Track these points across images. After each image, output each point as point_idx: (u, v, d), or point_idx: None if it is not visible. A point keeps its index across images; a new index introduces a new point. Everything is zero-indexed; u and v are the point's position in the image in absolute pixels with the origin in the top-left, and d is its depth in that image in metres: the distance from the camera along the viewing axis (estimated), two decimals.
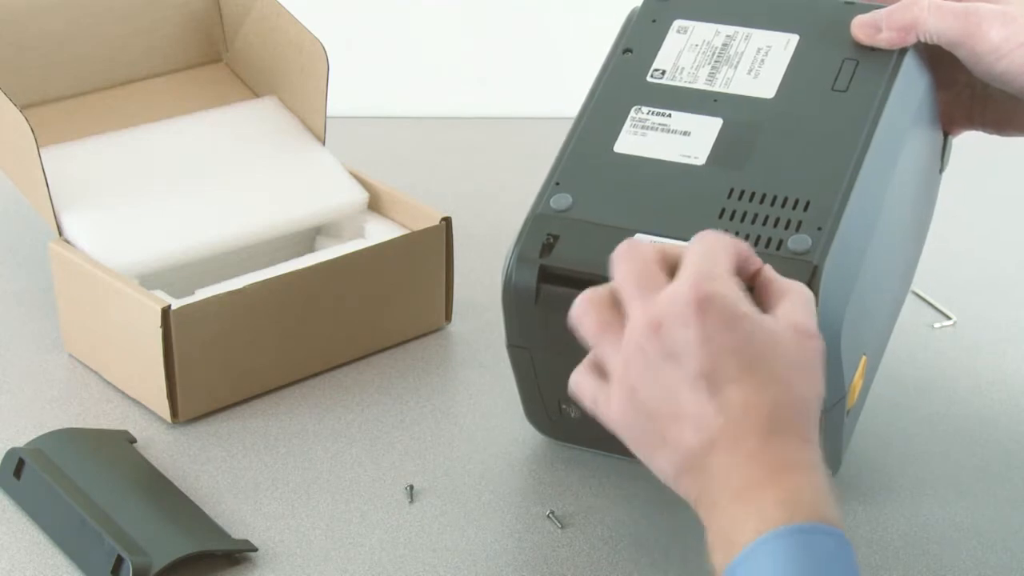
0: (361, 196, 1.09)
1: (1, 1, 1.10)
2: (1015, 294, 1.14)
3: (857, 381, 0.84)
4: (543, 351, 0.86)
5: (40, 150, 0.98)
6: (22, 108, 0.99)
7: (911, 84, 0.87)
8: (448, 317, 1.08)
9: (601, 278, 0.79)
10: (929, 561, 0.85)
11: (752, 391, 0.68)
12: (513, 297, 0.84)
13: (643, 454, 0.71)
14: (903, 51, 0.86)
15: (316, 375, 1.02)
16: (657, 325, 0.69)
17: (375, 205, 1.10)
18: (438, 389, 1.01)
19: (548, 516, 0.88)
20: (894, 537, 0.87)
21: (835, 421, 0.84)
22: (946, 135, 0.94)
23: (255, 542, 0.85)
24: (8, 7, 1.10)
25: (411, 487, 0.90)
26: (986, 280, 1.16)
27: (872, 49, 0.86)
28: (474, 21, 1.50)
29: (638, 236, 0.81)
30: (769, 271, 0.74)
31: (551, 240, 0.83)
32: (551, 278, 0.82)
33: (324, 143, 1.13)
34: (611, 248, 0.79)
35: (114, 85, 1.15)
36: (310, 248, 1.09)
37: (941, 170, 0.96)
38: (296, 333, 1.00)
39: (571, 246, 0.82)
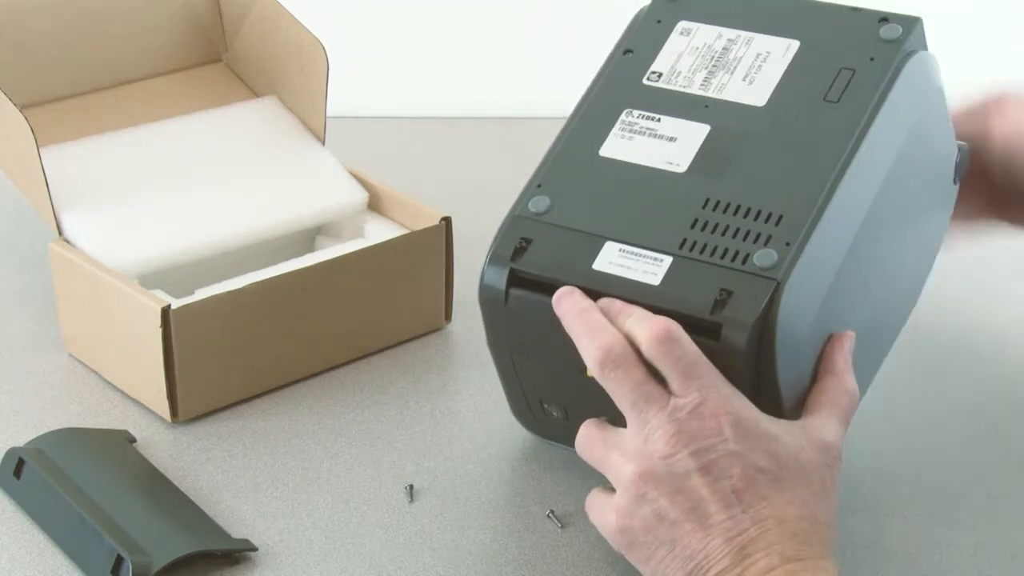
0: (361, 196, 1.09)
1: (1, 1, 1.10)
2: (1015, 293, 1.14)
3: None
4: (519, 351, 0.86)
5: (40, 150, 0.98)
6: (22, 108, 0.99)
7: (910, 94, 0.85)
8: (448, 317, 1.08)
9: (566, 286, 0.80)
10: (929, 562, 0.85)
11: (782, 507, 0.73)
12: (485, 298, 0.84)
13: (641, 555, 0.75)
14: (904, 59, 0.85)
15: (316, 375, 1.02)
16: (688, 440, 0.73)
17: (375, 205, 1.10)
18: (438, 389, 1.01)
19: (548, 516, 0.88)
20: (894, 538, 0.87)
21: None
22: (963, 145, 0.93)
23: (255, 542, 0.85)
24: (8, 7, 1.10)
25: (411, 487, 0.90)
26: (986, 279, 1.16)
27: (871, 58, 0.85)
28: (474, 21, 1.50)
29: (608, 245, 0.81)
30: (827, 368, 0.80)
31: (523, 244, 0.83)
32: (520, 282, 0.82)
33: (324, 143, 1.13)
34: (579, 256, 0.81)
35: (114, 85, 1.15)
36: (310, 248, 1.09)
37: (955, 180, 0.93)
38: (296, 333, 1.00)
39: (542, 251, 0.82)
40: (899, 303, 0.93)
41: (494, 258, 0.83)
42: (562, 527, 0.87)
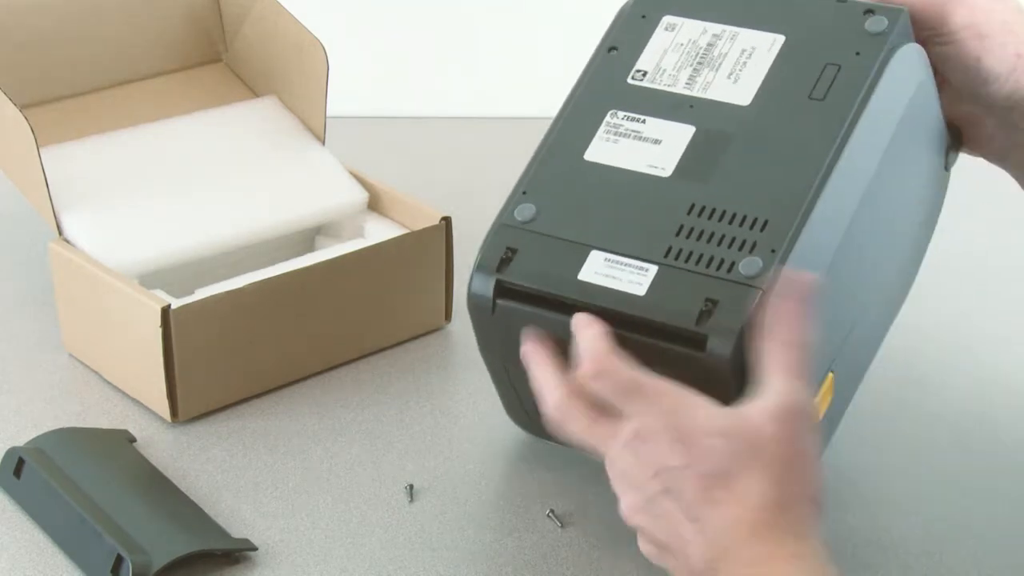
0: (361, 196, 1.09)
1: (1, 1, 1.10)
2: (1015, 293, 1.14)
3: (824, 397, 0.83)
4: (510, 359, 0.86)
5: (40, 150, 0.98)
6: (22, 108, 0.99)
7: (896, 90, 0.84)
8: (448, 317, 1.08)
9: (553, 296, 0.80)
10: (929, 561, 0.85)
11: (736, 505, 0.71)
12: (473, 308, 0.84)
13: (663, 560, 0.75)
14: (889, 53, 0.83)
15: (316, 375, 1.02)
16: (644, 466, 0.73)
17: (375, 205, 1.10)
18: (438, 389, 1.01)
19: (548, 516, 0.88)
20: (894, 537, 0.87)
21: None
22: (952, 128, 0.91)
23: (255, 541, 0.85)
24: (8, 7, 1.10)
25: (411, 487, 0.90)
26: (986, 279, 1.16)
27: (857, 53, 0.84)
28: (474, 21, 1.50)
29: (593, 254, 0.81)
30: (762, 333, 0.75)
31: (509, 254, 0.82)
32: (507, 293, 0.82)
33: (324, 143, 1.13)
34: (565, 266, 0.81)
35: (114, 85, 1.15)
36: (310, 248, 1.09)
37: (947, 167, 0.93)
38: (296, 333, 1.00)
39: (528, 262, 0.82)
40: (888, 300, 0.92)
41: (480, 268, 0.83)
42: (562, 527, 0.87)
